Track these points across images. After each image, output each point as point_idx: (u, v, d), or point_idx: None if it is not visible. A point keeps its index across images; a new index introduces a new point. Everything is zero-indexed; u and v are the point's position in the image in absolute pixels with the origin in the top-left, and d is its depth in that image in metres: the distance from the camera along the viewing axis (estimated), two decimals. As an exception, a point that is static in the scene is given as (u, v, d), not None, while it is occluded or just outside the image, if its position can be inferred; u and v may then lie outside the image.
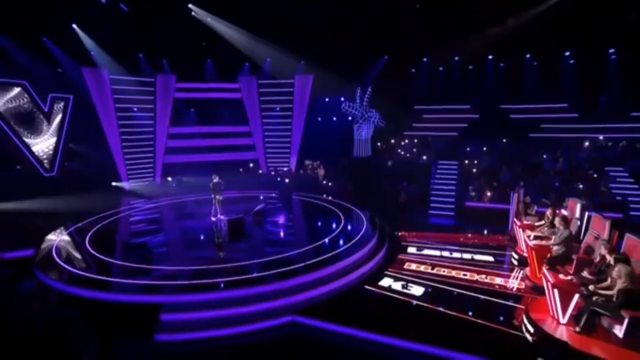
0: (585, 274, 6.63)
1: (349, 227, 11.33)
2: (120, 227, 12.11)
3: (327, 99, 20.82)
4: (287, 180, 17.30)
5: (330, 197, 15.33)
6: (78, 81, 16.82)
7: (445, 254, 10.01)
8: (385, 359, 6.00)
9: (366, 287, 8.10)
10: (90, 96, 16.96)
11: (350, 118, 19.49)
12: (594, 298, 5.84)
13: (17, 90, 15.86)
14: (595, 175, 14.84)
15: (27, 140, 15.96)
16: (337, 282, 7.99)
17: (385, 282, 8.30)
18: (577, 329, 5.88)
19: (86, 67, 16.73)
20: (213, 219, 12.07)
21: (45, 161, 16.72)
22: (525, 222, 9.83)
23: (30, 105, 16.02)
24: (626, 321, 5.27)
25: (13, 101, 15.83)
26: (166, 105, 19.34)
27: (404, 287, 8.06)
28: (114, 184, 17.97)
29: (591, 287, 6.08)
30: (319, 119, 21.06)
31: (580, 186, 14.37)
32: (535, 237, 8.72)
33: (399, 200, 14.81)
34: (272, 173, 19.42)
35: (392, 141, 19.91)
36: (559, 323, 6.14)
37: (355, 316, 6.84)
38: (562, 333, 6.00)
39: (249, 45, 19.24)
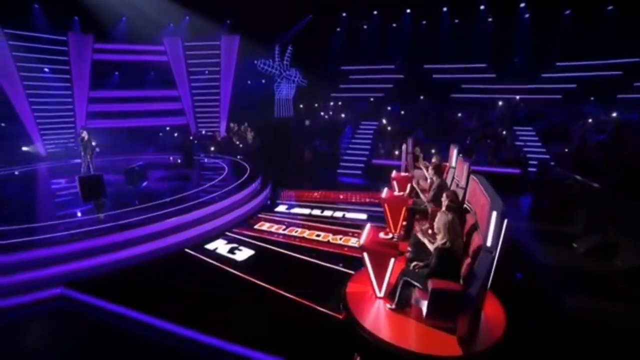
0: (425, 226, 4.36)
1: (215, 186, 8.67)
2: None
3: (256, 62, 17.66)
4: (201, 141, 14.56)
5: (239, 157, 12.76)
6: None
7: (316, 212, 7.69)
8: (146, 348, 3.69)
9: (187, 250, 5.72)
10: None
11: (277, 79, 16.51)
12: (412, 264, 3.55)
13: None
14: (504, 133, 12.64)
15: None
16: (148, 245, 5.56)
17: (214, 245, 5.90)
18: (391, 305, 3.63)
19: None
20: (83, 178, 9.30)
21: None
22: (402, 174, 7.50)
23: None
24: (429, 294, 3.03)
25: None
26: (83, 67, 15.94)
27: (231, 251, 5.68)
28: (24, 148, 14.75)
29: (422, 236, 3.79)
30: (249, 82, 17.99)
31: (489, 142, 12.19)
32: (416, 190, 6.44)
33: (304, 159, 12.29)
34: (191, 137, 16.53)
35: (312, 103, 17.08)
36: (377, 297, 3.88)
37: (145, 290, 4.62)
38: (377, 310, 3.76)
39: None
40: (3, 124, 14.92)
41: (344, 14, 16.11)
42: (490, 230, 2.79)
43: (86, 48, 15.92)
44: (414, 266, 3.50)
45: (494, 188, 3.55)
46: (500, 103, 14.31)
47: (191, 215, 6.43)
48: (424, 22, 15.63)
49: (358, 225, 6.74)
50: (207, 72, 17.71)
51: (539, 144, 12.68)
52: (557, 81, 14.69)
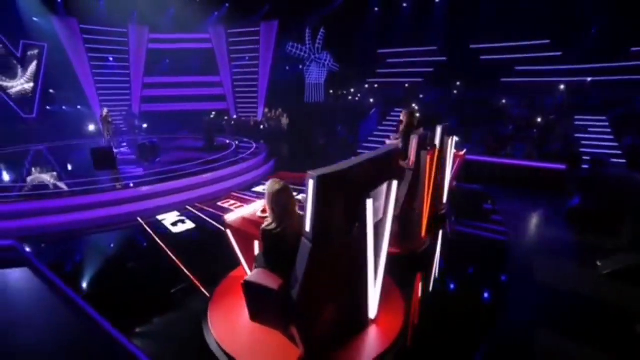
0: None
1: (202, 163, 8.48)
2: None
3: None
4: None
5: (261, 140, 12.66)
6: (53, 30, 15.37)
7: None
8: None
9: (138, 219, 5.63)
10: (63, 45, 15.54)
11: (307, 63, 15.93)
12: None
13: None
14: (555, 122, 10.19)
15: (2, 83, 15.00)
16: (102, 211, 5.65)
17: (165, 216, 5.76)
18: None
19: (56, 17, 15.25)
20: (106, 151, 10.10)
21: (24, 104, 15.64)
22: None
23: (2, 51, 14.92)
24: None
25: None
26: (140, 56, 17.54)
27: (174, 223, 5.46)
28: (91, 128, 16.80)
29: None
30: (287, 67, 17.75)
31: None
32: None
33: (317, 143, 11.59)
34: (225, 118, 16.95)
35: (345, 89, 16.00)
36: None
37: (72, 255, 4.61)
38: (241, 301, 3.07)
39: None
40: (79, 107, 17.24)
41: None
42: (308, 207, 1.90)
43: (143, 38, 17.44)
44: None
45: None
46: (561, 87, 11.55)
47: (149, 188, 6.40)
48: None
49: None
50: (247, 58, 18.04)
51: (612, 137, 9.98)
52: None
